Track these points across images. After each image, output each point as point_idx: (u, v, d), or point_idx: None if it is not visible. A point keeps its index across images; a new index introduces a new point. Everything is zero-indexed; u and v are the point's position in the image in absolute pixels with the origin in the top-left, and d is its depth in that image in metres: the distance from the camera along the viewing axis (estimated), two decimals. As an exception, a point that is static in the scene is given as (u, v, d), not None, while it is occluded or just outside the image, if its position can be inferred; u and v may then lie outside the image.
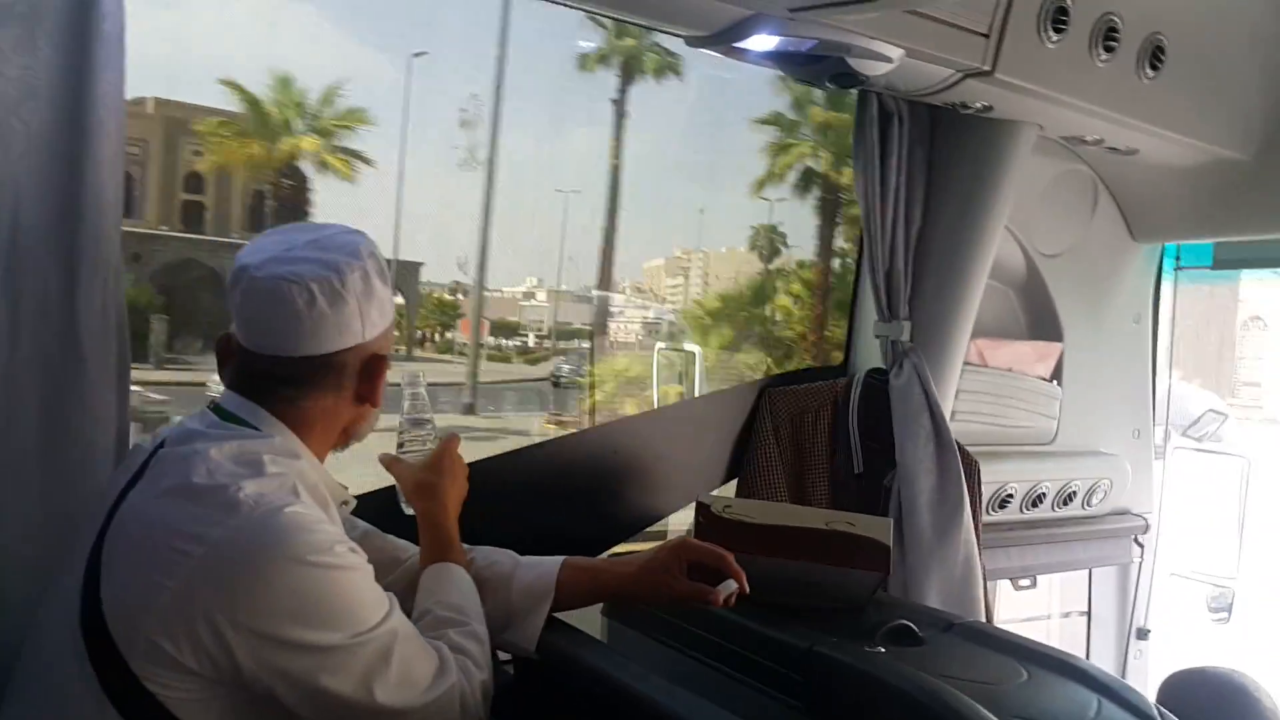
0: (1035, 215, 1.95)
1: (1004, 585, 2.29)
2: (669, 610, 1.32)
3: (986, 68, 1.35)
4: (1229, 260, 2.08)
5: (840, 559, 1.33)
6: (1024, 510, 2.10)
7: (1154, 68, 1.53)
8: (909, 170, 1.75)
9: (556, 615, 1.19)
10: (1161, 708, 1.13)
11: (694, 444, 1.90)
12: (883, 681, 1.09)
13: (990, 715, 1.00)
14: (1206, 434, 2.70)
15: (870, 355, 1.94)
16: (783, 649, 1.20)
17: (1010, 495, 2.07)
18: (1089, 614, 2.48)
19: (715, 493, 1.92)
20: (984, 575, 1.85)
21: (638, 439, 1.83)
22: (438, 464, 1.16)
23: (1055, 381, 2.12)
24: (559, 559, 1.17)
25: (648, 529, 1.81)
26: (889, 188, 1.74)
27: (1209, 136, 1.66)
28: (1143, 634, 2.42)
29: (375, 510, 1.19)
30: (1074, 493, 2.14)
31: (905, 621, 1.26)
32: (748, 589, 1.17)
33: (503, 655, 1.16)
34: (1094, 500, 2.19)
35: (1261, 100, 1.70)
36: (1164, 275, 2.20)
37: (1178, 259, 2.13)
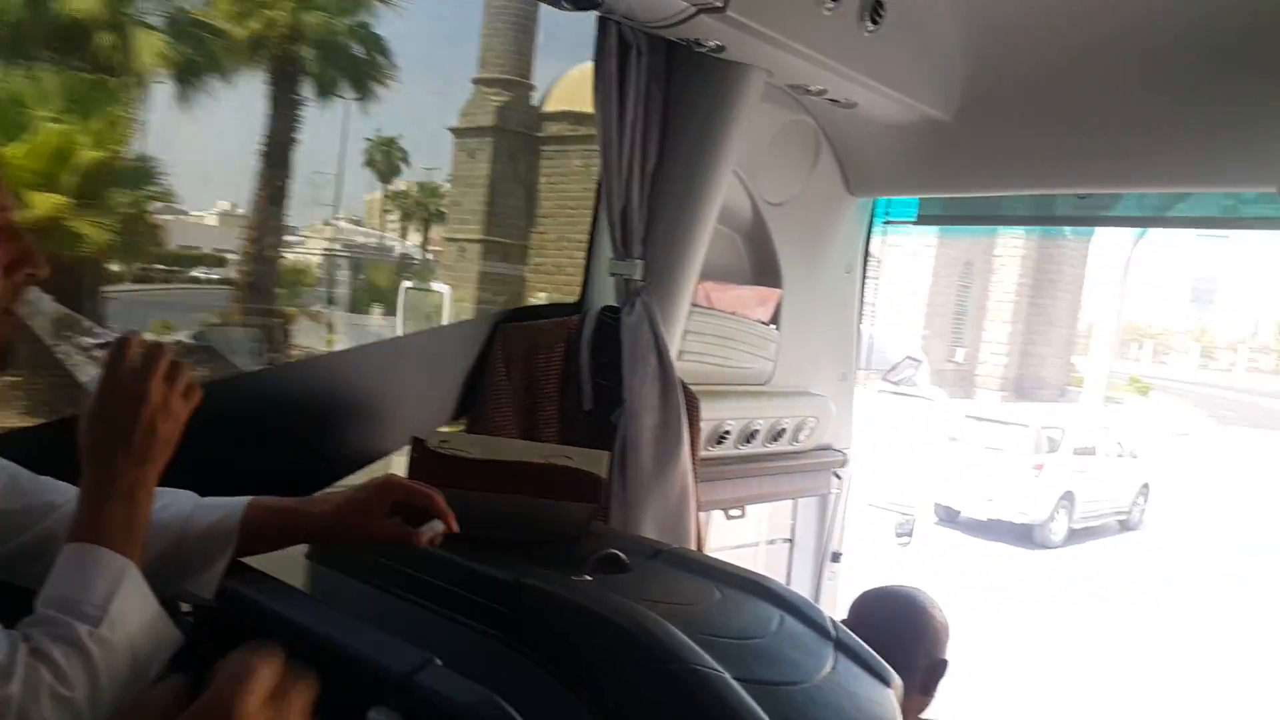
0: (762, 163, 2.03)
1: (717, 515, 2.43)
2: (374, 550, 1.27)
3: (719, 4, 1.36)
4: (932, 217, 2.28)
5: (555, 492, 1.34)
6: (738, 446, 2.21)
7: (874, 21, 1.60)
8: (646, 106, 1.75)
9: (247, 560, 1.10)
10: (835, 619, 1.23)
11: (421, 379, 1.84)
12: (584, 608, 1.11)
13: (679, 633, 1.05)
14: (904, 379, 2.98)
15: (606, 293, 1.95)
16: (491, 583, 1.19)
17: (727, 432, 2.17)
18: (792, 540, 2.69)
19: (444, 429, 1.88)
20: (697, 507, 1.94)
21: (358, 373, 1.73)
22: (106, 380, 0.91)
23: (774, 325, 2.24)
24: (244, 500, 1.08)
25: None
26: (626, 122, 1.73)
27: (917, 94, 1.78)
28: (836, 557, 2.66)
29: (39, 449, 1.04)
30: (784, 429, 2.29)
31: (614, 551, 1.29)
32: (456, 528, 1.14)
33: (184, 605, 1.06)
34: (801, 436, 2.35)
35: (963, 63, 1.83)
36: (874, 228, 2.37)
37: (887, 213, 2.30)
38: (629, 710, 1.04)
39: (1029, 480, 12.70)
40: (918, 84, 1.76)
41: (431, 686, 0.94)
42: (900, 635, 1.86)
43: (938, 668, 1.88)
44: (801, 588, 2.70)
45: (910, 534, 3.28)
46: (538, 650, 1.12)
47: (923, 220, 2.27)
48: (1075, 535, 13.28)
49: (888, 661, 1.68)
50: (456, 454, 1.34)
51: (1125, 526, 14.37)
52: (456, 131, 20.03)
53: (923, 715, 2.07)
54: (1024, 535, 12.70)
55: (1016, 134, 1.83)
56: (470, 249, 19.22)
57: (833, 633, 1.21)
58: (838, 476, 2.57)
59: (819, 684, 1.09)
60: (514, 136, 19.25)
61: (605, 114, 1.73)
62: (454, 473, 1.31)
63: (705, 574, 1.33)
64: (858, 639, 1.21)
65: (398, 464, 1.63)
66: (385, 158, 24.26)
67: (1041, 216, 2.10)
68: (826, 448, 2.50)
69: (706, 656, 1.04)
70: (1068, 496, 13.15)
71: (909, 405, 2.83)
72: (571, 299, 2.03)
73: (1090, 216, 2.05)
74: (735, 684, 1.01)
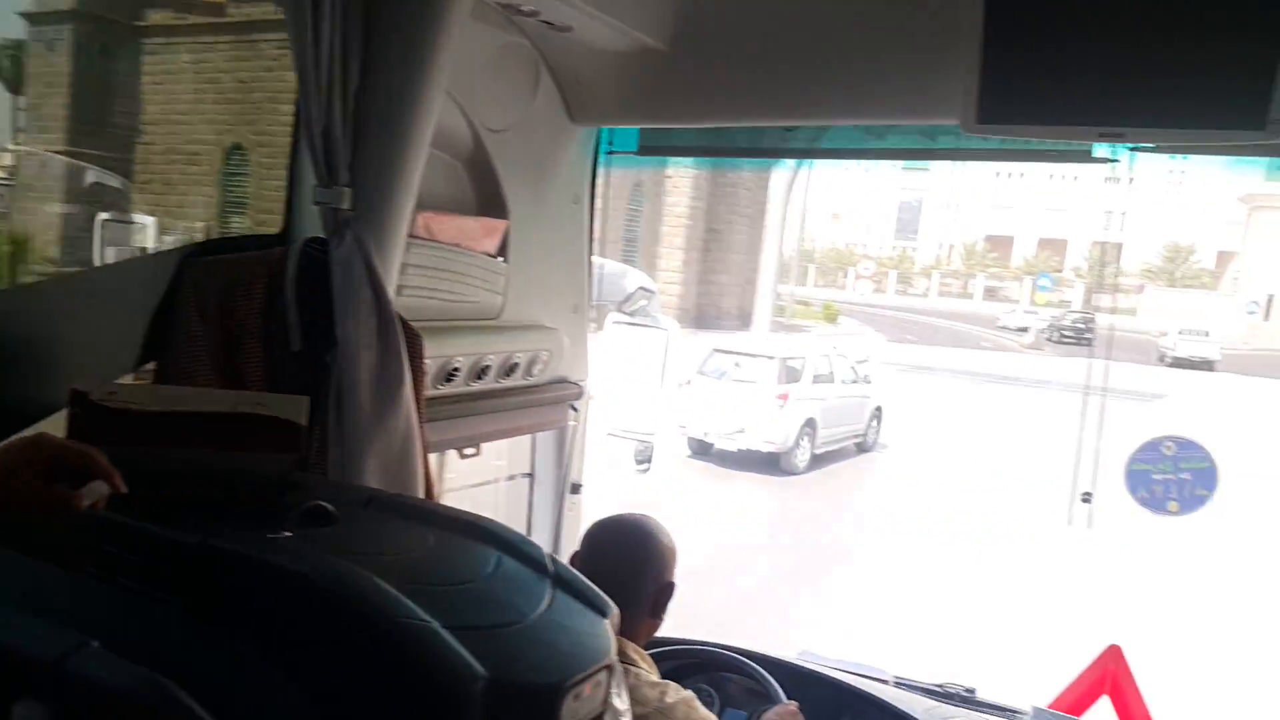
0: (479, 87, 1.94)
1: (452, 455, 2.36)
2: (25, 520, 1.10)
3: None
4: (653, 148, 2.29)
5: (247, 444, 1.21)
6: (469, 383, 2.15)
7: None
8: (345, 20, 1.60)
9: None
10: (554, 555, 1.21)
11: (94, 324, 1.61)
12: (277, 567, 1.02)
13: (386, 586, 0.98)
14: (638, 309, 3.01)
15: (312, 224, 1.79)
16: (171, 548, 1.06)
17: (456, 369, 2.10)
18: (532, 475, 2.68)
19: (129, 379, 1.67)
20: (425, 448, 1.86)
21: (14, 320, 1.49)
22: None
23: (502, 258, 2.18)
24: None
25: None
26: (322, 35, 1.58)
27: (631, 20, 1.75)
28: (575, 489, 2.68)
29: None
30: (517, 364, 2.25)
31: (320, 502, 1.19)
32: (123, 488, 1.01)
33: None
34: (535, 371, 2.32)
35: None
36: (599, 159, 2.35)
37: (610, 143, 2.29)
38: (331, 675, 0.97)
39: (775, 410, 13.54)
40: (631, 9, 1.74)
41: (84, 672, 0.82)
42: (630, 561, 1.91)
43: (665, 590, 1.94)
44: (543, 521, 2.71)
45: (649, 460, 3.36)
46: (228, 620, 1.02)
47: (645, 151, 2.28)
48: (817, 460, 14.25)
49: (619, 587, 1.69)
50: (126, 407, 1.18)
51: (862, 449, 15.66)
52: (30, 17, 16.81)
53: (656, 635, 2.14)
54: (772, 463, 13.59)
55: (730, 66, 1.86)
56: (53, 164, 16.14)
57: (550, 569, 1.19)
58: (574, 409, 2.58)
59: (533, 622, 1.07)
60: (104, 25, 16.35)
61: (298, 25, 1.56)
62: (124, 429, 1.15)
63: (420, 519, 1.26)
64: (576, 573, 1.20)
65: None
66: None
67: (761, 149, 2.17)
68: (562, 381, 2.49)
69: (415, 608, 0.98)
70: (810, 424, 14.04)
71: (644, 335, 2.90)
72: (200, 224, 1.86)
73: (804, 149, 2.14)
74: (445, 633, 0.96)
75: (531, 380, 2.34)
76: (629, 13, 1.73)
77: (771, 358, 14.44)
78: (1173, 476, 2.93)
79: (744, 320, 26.83)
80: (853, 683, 2.56)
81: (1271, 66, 1.33)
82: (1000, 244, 65.21)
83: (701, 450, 13.87)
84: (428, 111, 1.69)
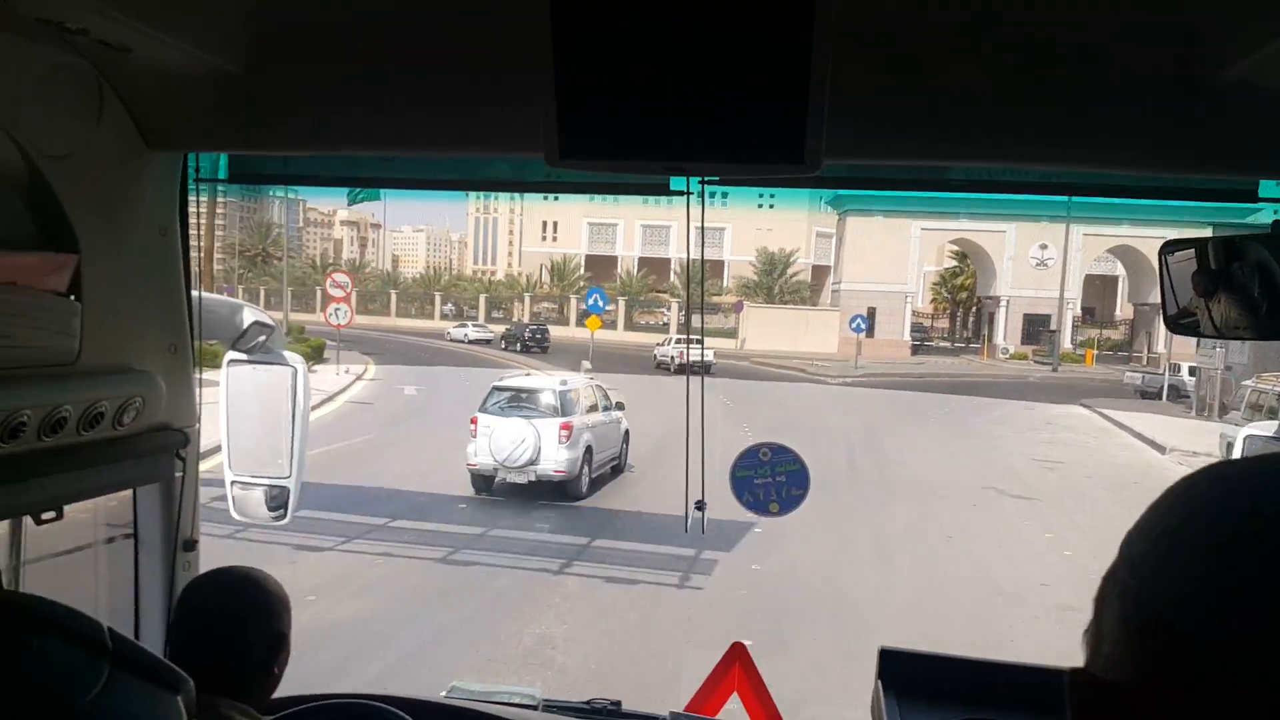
0: (29, 110, 1.73)
1: (29, 522, 2.07)
2: None
3: None
4: (245, 175, 2.17)
5: None
6: (42, 438, 1.90)
7: None
8: None
9: None
10: (112, 628, 1.10)
11: None
12: None
13: None
14: (256, 345, 2.84)
15: None
16: None
17: (24, 423, 1.85)
18: (135, 535, 2.42)
19: None
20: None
21: None
22: None
23: (73, 296, 1.95)
24: None
25: None
26: None
27: (199, 42, 1.65)
28: (189, 546, 2.46)
29: None
30: (102, 413, 2.02)
31: None
32: None
33: None
34: (126, 419, 2.10)
35: (248, 10, 1.74)
36: (189, 187, 2.20)
37: (197, 170, 2.14)
38: None
39: (561, 440, 14.50)
40: (197, 30, 1.64)
41: None
42: (236, 618, 1.78)
43: (279, 643, 1.84)
44: (152, 583, 2.46)
45: (285, 506, 3.17)
46: None
47: (237, 179, 2.16)
48: (593, 484, 15.30)
49: (226, 647, 1.57)
50: None
51: (616, 470, 16.57)
52: None
53: (295, 693, 2.02)
54: (561, 491, 14.59)
55: (312, 92, 1.81)
56: None
57: (109, 645, 1.08)
58: (180, 458, 2.37)
59: (83, 712, 0.96)
60: None
61: None
62: None
63: None
64: (141, 647, 1.10)
65: None
66: None
67: (356, 179, 2.14)
68: (163, 428, 2.28)
69: None
70: (589, 451, 15.05)
71: (267, 374, 2.72)
72: None
73: (402, 179, 2.14)
74: None
75: (123, 430, 2.12)
76: (195, 34, 1.63)
77: (554, 390, 15.68)
78: (770, 480, 3.27)
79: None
80: (500, 714, 2.58)
81: (804, 104, 1.51)
82: (601, 263, 68.49)
83: (485, 486, 14.68)
84: None
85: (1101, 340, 60.11)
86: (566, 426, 14.75)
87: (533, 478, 14.48)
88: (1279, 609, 0.47)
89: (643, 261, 67.58)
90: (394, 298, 64.73)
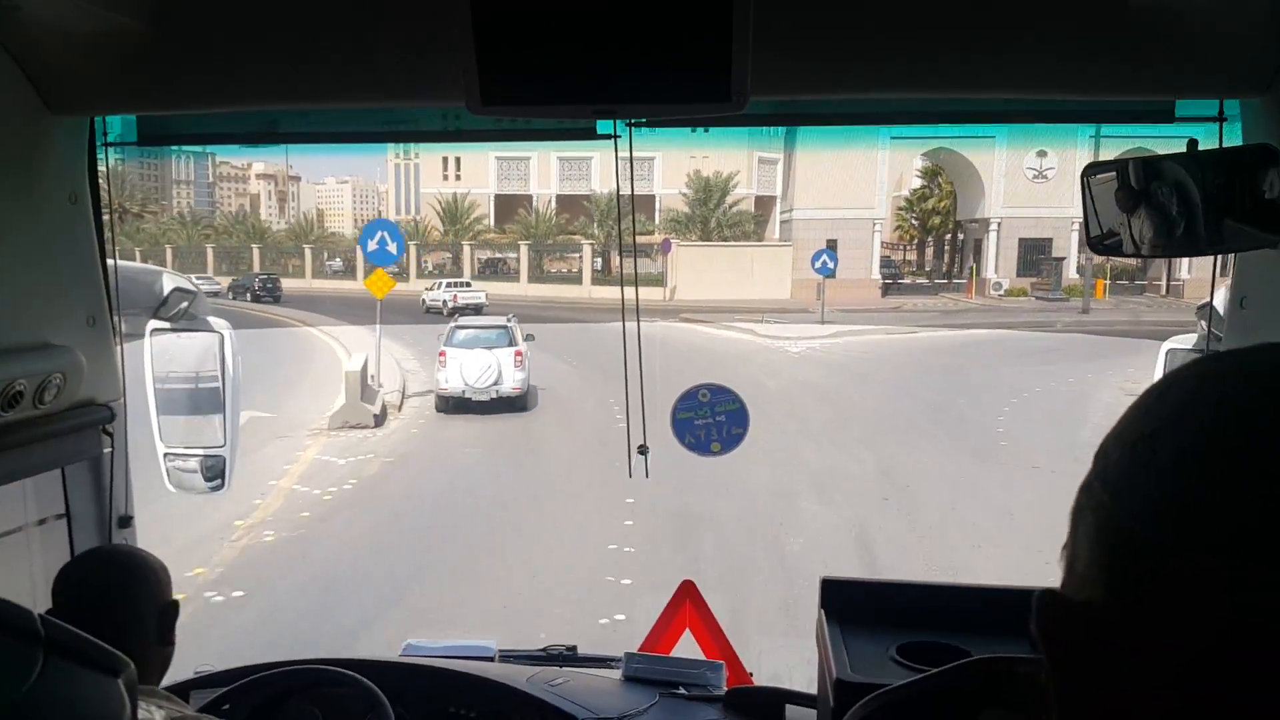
0: None
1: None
2: None
3: None
4: (156, 136, 2.07)
5: None
6: None
7: None
8: None
9: None
10: (45, 614, 1.07)
11: None
12: None
13: None
14: (178, 312, 2.75)
15: None
16: None
17: None
18: (68, 515, 2.35)
19: None
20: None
21: None
22: None
23: (-19, 271, 1.86)
24: None
25: None
26: None
27: None
28: (125, 523, 2.40)
29: None
30: (21, 392, 1.95)
31: None
32: None
33: None
34: (47, 397, 2.03)
35: None
36: (98, 151, 2.09)
37: (105, 133, 2.04)
38: None
39: (516, 365, 18.02)
40: None
41: None
42: (119, 591, 1.72)
43: (169, 611, 1.78)
44: (88, 564, 2.39)
45: (222, 475, 3.10)
46: None
47: (147, 141, 2.06)
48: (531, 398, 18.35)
49: (114, 624, 1.52)
50: None
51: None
52: None
53: (243, 664, 1.99)
54: (516, 404, 17.79)
55: (219, 47, 1.72)
56: None
57: (42, 631, 1.04)
58: (108, 434, 2.30)
59: (17, 704, 0.93)
60: None
61: None
62: None
63: None
64: (77, 632, 1.06)
65: None
66: None
67: (272, 134, 2.05)
68: (87, 404, 2.20)
69: None
70: (528, 373, 18.43)
71: (193, 341, 2.61)
72: None
73: (319, 133, 2.07)
74: None
75: (45, 409, 2.04)
76: None
77: (505, 327, 19.25)
78: (711, 420, 3.30)
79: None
80: (456, 668, 2.58)
81: (728, 42, 1.49)
82: (512, 204, 57.08)
83: (458, 406, 17.62)
84: None
85: (1111, 269, 44.74)
86: (519, 354, 18.21)
87: (495, 395, 17.70)
88: (1252, 524, 0.44)
89: (562, 201, 55.99)
90: (256, 253, 57.96)
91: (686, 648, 3.48)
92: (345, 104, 1.87)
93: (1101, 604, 0.50)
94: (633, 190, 2.59)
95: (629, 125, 1.94)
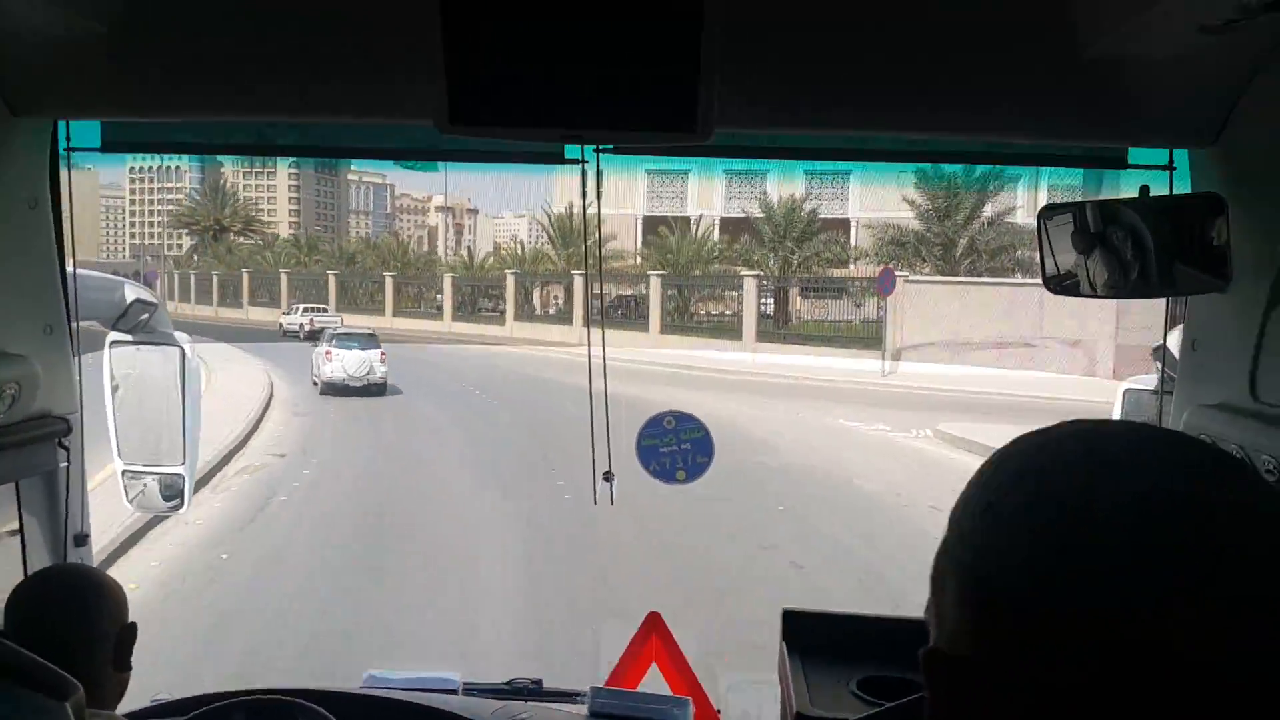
0: None
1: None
2: None
3: None
4: (121, 143, 2.05)
5: None
6: None
7: None
8: None
9: None
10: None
11: None
12: None
13: None
14: (139, 324, 2.71)
15: None
16: None
17: None
18: (21, 532, 2.29)
19: None
20: None
21: None
22: None
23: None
24: None
25: None
26: None
27: None
28: (81, 540, 2.34)
29: None
30: None
31: None
32: None
33: None
34: (1, 408, 1.99)
35: None
36: (61, 157, 2.07)
37: (68, 138, 2.02)
38: None
39: (381, 361, 24.36)
40: None
41: None
42: (75, 616, 1.67)
43: (126, 634, 1.73)
44: (39, 580, 2.34)
45: (181, 495, 3.04)
46: None
47: (111, 148, 2.03)
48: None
49: (68, 647, 1.48)
50: None
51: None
52: None
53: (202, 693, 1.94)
54: (379, 390, 23.90)
55: (185, 53, 1.70)
56: None
57: None
58: (64, 447, 2.25)
59: None
60: None
61: None
62: None
63: None
64: (27, 654, 1.04)
65: None
66: None
67: (240, 145, 2.04)
68: (43, 416, 2.16)
69: None
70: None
71: (153, 355, 2.55)
72: None
73: (289, 146, 2.06)
74: None
75: (1, 420, 2.00)
76: None
77: (371, 334, 26.24)
78: (676, 448, 3.27)
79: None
80: (419, 700, 2.54)
81: (695, 74, 1.50)
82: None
83: (338, 390, 23.40)
84: None
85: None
86: (383, 354, 24.70)
87: (366, 384, 23.76)
88: (1091, 575, 0.50)
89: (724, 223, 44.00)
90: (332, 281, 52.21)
91: (653, 682, 3.43)
92: (311, 118, 1.86)
93: (969, 655, 0.55)
94: (599, 220, 2.60)
95: (596, 151, 1.95)
